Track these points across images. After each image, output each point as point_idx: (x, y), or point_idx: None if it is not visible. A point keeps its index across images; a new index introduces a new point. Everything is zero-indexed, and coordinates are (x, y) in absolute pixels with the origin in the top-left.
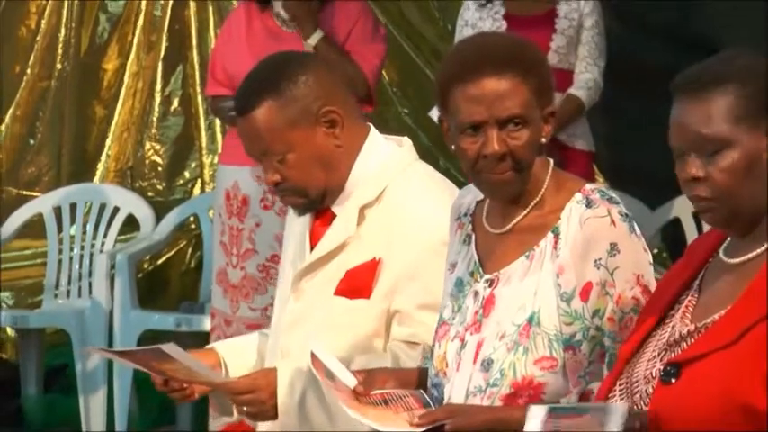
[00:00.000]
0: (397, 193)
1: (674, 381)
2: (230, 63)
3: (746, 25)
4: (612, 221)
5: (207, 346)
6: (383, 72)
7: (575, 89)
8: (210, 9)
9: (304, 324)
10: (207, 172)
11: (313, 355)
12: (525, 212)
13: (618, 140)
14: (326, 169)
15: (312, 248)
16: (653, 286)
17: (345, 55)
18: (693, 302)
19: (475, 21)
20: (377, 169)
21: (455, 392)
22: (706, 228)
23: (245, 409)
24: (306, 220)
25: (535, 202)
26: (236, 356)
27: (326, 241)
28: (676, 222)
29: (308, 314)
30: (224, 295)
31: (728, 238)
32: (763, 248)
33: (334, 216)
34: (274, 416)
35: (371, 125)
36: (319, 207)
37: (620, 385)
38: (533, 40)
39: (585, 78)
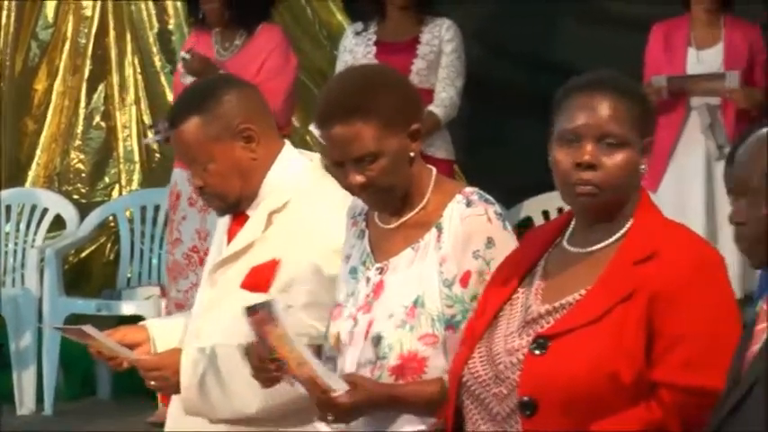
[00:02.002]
0: (301, 202)
1: (543, 352)
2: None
3: (601, 49)
4: (489, 219)
5: (140, 323)
6: None
7: (433, 106)
8: (128, 37)
9: (215, 310)
10: (124, 177)
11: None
12: (413, 213)
13: (477, 150)
14: (242, 178)
15: (228, 246)
16: None
17: (211, 66)
18: (542, 285)
19: (352, 47)
20: (286, 180)
21: (348, 364)
22: None
23: (152, 383)
24: (226, 219)
25: (422, 204)
26: (163, 334)
27: (238, 240)
28: (529, 220)
29: (218, 302)
30: (168, 277)
31: (569, 230)
32: (610, 241)
33: (247, 218)
34: (177, 391)
35: (287, 141)
36: (236, 210)
37: (479, 358)
38: (397, 63)
39: (443, 97)
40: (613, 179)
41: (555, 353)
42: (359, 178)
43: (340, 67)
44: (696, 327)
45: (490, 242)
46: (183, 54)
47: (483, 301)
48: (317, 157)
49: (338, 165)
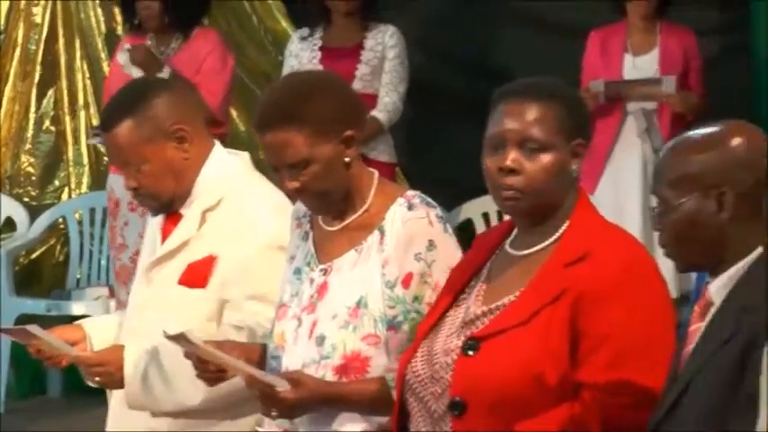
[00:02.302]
0: (235, 199)
1: (474, 354)
2: (113, 88)
3: (539, 55)
4: (430, 222)
5: (75, 322)
6: None
7: (376, 111)
8: (77, 44)
9: (153, 307)
10: (73, 180)
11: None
12: (355, 216)
13: (419, 153)
14: (176, 178)
15: (162, 244)
16: None
17: (158, 63)
18: (484, 288)
19: (298, 51)
20: (218, 178)
21: (292, 364)
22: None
23: (96, 378)
24: (159, 219)
25: (365, 207)
26: (98, 332)
27: (173, 239)
28: (469, 222)
29: (156, 299)
30: (116, 281)
31: (513, 234)
32: (545, 244)
33: (181, 217)
34: (121, 385)
35: (217, 141)
36: (169, 210)
37: (421, 357)
38: (342, 68)
39: (386, 102)
40: (536, 183)
41: (485, 354)
42: (293, 183)
43: (286, 70)
44: (620, 327)
45: (431, 245)
46: (126, 46)
47: (435, 302)
48: (246, 155)
49: (275, 170)
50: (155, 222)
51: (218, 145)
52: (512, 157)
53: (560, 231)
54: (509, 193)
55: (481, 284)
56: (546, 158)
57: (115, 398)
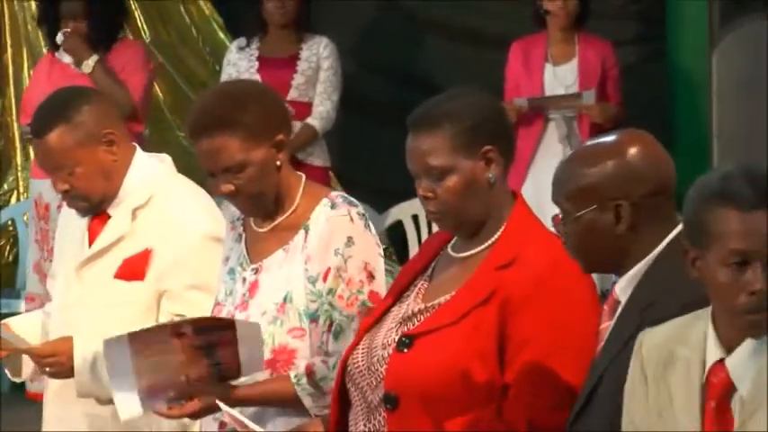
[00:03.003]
0: (164, 196)
1: (407, 350)
2: (36, 98)
3: (463, 65)
4: (351, 219)
5: (2, 321)
6: (163, 104)
7: (311, 119)
8: (24, 54)
9: (88, 303)
10: (21, 185)
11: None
12: (283, 217)
13: (352, 158)
14: (106, 179)
15: (91, 243)
16: (378, 273)
17: (117, 79)
18: (425, 286)
19: (236, 61)
20: (145, 179)
21: None
22: (423, 227)
23: (47, 369)
24: (83, 220)
25: (293, 208)
26: (23, 329)
27: (104, 237)
28: (400, 223)
29: (90, 295)
30: (40, 282)
31: (455, 237)
32: (482, 247)
33: (109, 217)
34: (71, 375)
35: (137, 145)
36: (99, 210)
37: (362, 349)
38: (278, 78)
39: (320, 110)
40: (450, 203)
41: (417, 351)
42: (228, 187)
43: (224, 79)
44: (544, 329)
45: (350, 241)
46: (63, 30)
47: (385, 297)
48: (167, 158)
49: (210, 174)
50: (80, 223)
51: (139, 149)
52: (423, 187)
53: (496, 235)
54: (432, 216)
55: (423, 283)
56: (451, 181)
57: (50, 388)
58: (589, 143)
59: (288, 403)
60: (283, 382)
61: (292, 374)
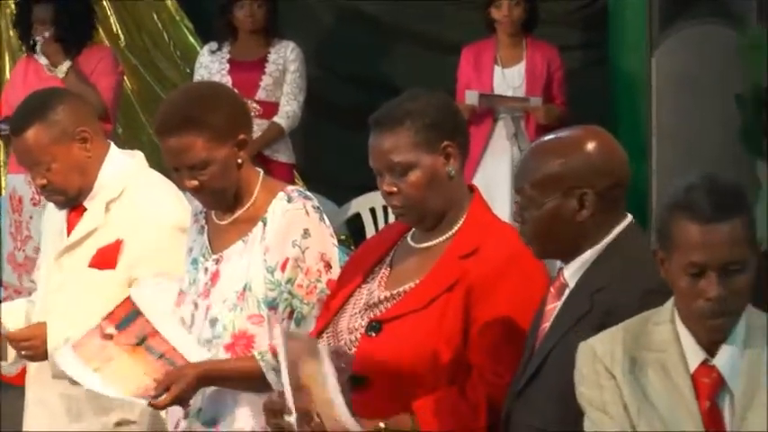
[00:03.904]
0: (136, 190)
1: (376, 334)
2: (12, 98)
3: (419, 69)
4: (307, 212)
5: None
6: (137, 104)
7: (277, 118)
8: (6, 58)
9: (65, 290)
10: (3, 180)
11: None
12: (243, 210)
13: (315, 155)
14: (81, 174)
15: (69, 234)
16: (335, 263)
17: (88, 82)
18: (387, 274)
19: (207, 63)
20: (118, 173)
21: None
22: (380, 219)
23: (23, 352)
24: (63, 212)
25: (251, 202)
26: (6, 317)
27: (80, 228)
28: (359, 216)
29: (68, 283)
30: (13, 272)
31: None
32: (443, 238)
33: (85, 210)
34: (45, 357)
35: (111, 142)
36: (75, 203)
37: (326, 334)
38: (247, 80)
39: (287, 110)
40: (413, 197)
41: (386, 335)
42: (192, 183)
43: (196, 79)
44: (504, 314)
45: (306, 233)
46: (41, 35)
47: (339, 282)
48: (140, 154)
49: (175, 170)
50: (60, 216)
51: (113, 145)
52: (387, 183)
53: (456, 227)
54: (396, 210)
55: (384, 271)
56: (414, 176)
57: (30, 372)
58: (552, 136)
59: (252, 380)
60: (248, 360)
61: (256, 352)
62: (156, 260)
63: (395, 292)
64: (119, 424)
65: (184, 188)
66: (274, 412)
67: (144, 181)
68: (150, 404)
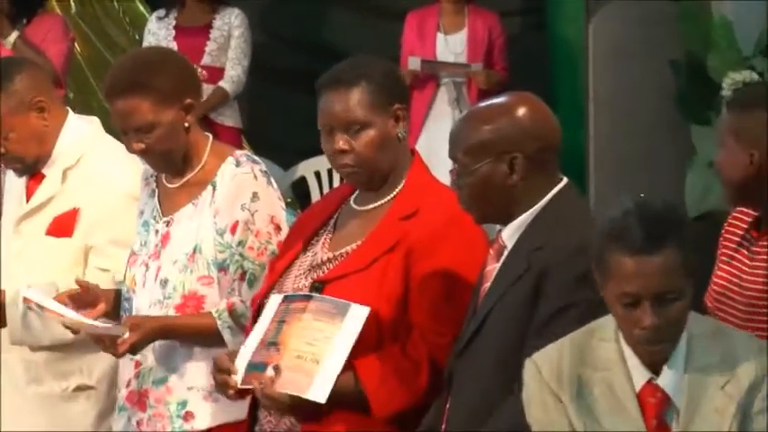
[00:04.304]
0: (92, 157)
1: (319, 294)
2: None
3: (364, 35)
4: (255, 176)
5: None
6: (87, 70)
7: (223, 82)
8: None
9: (24, 257)
10: None
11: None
12: (192, 174)
13: (261, 120)
14: (38, 143)
15: (28, 201)
16: (283, 225)
17: (38, 50)
18: (330, 237)
19: (155, 30)
20: (75, 141)
21: (141, 304)
22: (325, 182)
23: None
24: (23, 179)
25: (200, 166)
26: None
27: (38, 195)
28: (304, 179)
29: (26, 250)
30: None
31: (357, 190)
32: (385, 200)
33: (44, 177)
34: (3, 324)
35: (69, 109)
36: (34, 171)
37: (272, 295)
38: (193, 45)
39: (231, 75)
40: (367, 156)
41: (330, 295)
42: (139, 145)
43: (145, 45)
44: (443, 275)
45: (255, 196)
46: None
47: (284, 246)
48: (96, 120)
49: (122, 133)
50: (20, 182)
51: (71, 113)
52: (342, 140)
53: (397, 189)
54: (347, 170)
55: (328, 234)
56: (370, 134)
57: None
58: (483, 104)
59: (206, 337)
60: (204, 317)
61: (213, 310)
62: (111, 228)
63: (337, 253)
64: (78, 389)
65: (132, 151)
66: (222, 370)
67: (100, 148)
68: (108, 351)
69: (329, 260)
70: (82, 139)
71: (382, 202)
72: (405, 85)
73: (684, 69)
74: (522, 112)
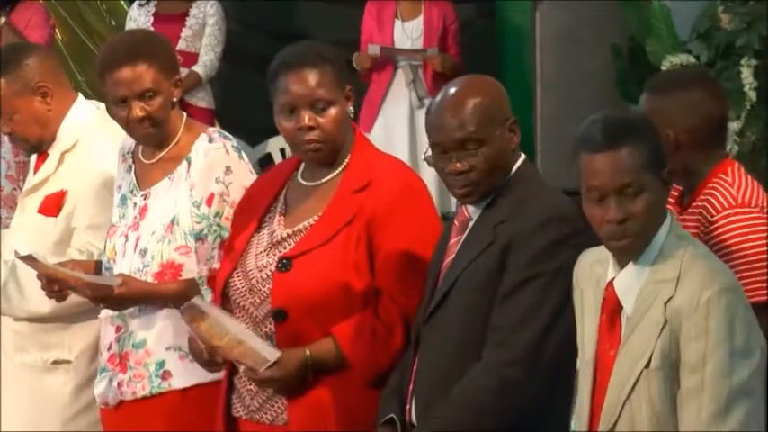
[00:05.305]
0: (87, 143)
1: (287, 270)
2: None
3: (328, 22)
4: (227, 151)
5: None
6: (67, 54)
7: (196, 67)
8: None
9: (22, 229)
10: None
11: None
12: (166, 150)
13: (232, 101)
14: (41, 126)
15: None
16: None
17: (23, 36)
18: (283, 214)
19: (136, 16)
20: (75, 125)
21: (122, 273)
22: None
23: None
24: (34, 157)
25: (174, 141)
26: None
27: (39, 174)
28: (270, 155)
29: (24, 224)
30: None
31: (302, 167)
32: (333, 174)
33: (48, 157)
34: None
35: (80, 94)
36: (39, 150)
37: (236, 274)
38: (169, 31)
39: (204, 60)
40: (331, 132)
41: (297, 270)
42: (140, 111)
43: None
44: (404, 240)
45: (228, 170)
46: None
47: (237, 225)
48: (102, 106)
49: (122, 101)
50: (32, 159)
51: (80, 97)
52: (307, 117)
53: (344, 163)
54: (311, 146)
55: (280, 210)
56: (333, 111)
57: None
58: (457, 87)
59: (182, 299)
60: (182, 283)
61: (196, 275)
62: (92, 211)
63: (296, 229)
64: (56, 362)
65: (127, 123)
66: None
67: (98, 133)
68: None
69: (289, 236)
70: (82, 125)
71: (332, 176)
72: (352, 69)
73: (625, 53)
74: (496, 84)
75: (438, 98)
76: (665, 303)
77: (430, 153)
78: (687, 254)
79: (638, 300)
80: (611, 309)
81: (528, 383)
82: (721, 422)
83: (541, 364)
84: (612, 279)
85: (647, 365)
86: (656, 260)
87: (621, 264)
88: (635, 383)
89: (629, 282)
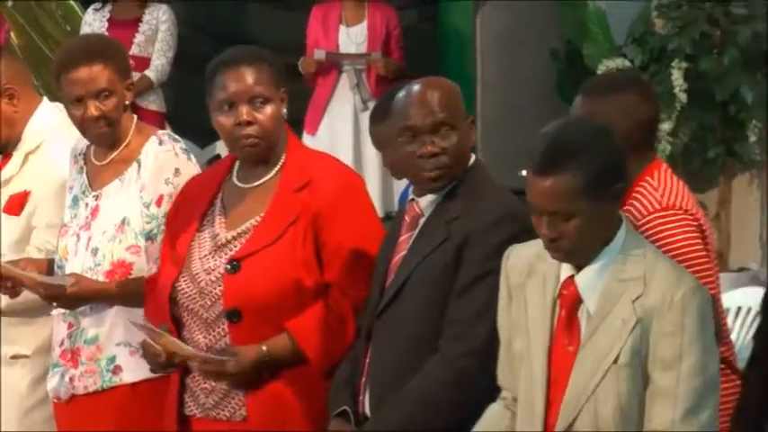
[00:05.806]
0: (50, 144)
1: (237, 272)
2: None
3: (275, 27)
4: (176, 154)
5: None
6: (22, 58)
7: (148, 71)
8: None
9: None
10: None
11: None
12: (117, 151)
13: (183, 104)
14: (8, 127)
15: None
16: None
17: None
18: (223, 216)
19: (91, 21)
20: (40, 126)
21: (73, 271)
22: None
23: None
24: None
25: (125, 143)
26: None
27: (2, 174)
28: (218, 157)
29: None
30: None
31: (235, 169)
32: (270, 175)
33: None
34: None
35: (45, 97)
36: (5, 152)
37: (184, 278)
38: (123, 36)
39: (156, 64)
40: (268, 129)
41: (247, 271)
42: (95, 111)
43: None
44: (348, 236)
45: (177, 171)
46: None
47: (174, 228)
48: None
49: (78, 100)
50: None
51: (45, 100)
52: (245, 112)
53: (280, 164)
54: (249, 141)
55: (219, 212)
56: (270, 108)
57: None
58: (422, 82)
59: (135, 299)
60: (132, 282)
61: (145, 274)
62: (52, 211)
63: (239, 230)
64: (14, 357)
65: (81, 122)
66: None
67: (61, 135)
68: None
69: (234, 238)
70: (46, 127)
71: (269, 176)
72: (292, 72)
73: (563, 57)
74: (453, 83)
75: (402, 93)
76: (634, 301)
77: (402, 139)
78: (648, 253)
79: (601, 297)
80: (570, 305)
81: (482, 376)
82: (694, 420)
83: (494, 359)
84: (572, 276)
85: (615, 361)
86: (618, 259)
87: (582, 262)
88: (601, 379)
89: (591, 280)
